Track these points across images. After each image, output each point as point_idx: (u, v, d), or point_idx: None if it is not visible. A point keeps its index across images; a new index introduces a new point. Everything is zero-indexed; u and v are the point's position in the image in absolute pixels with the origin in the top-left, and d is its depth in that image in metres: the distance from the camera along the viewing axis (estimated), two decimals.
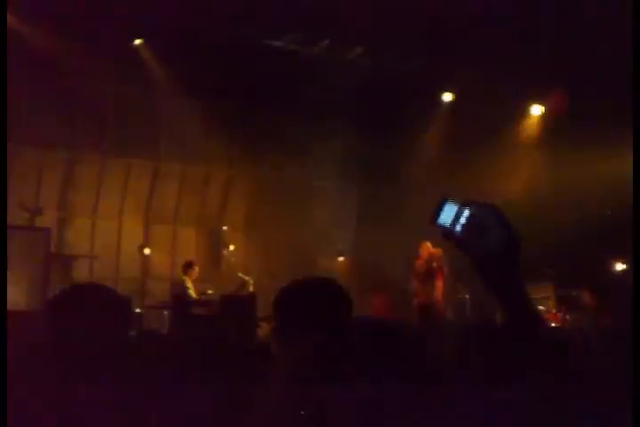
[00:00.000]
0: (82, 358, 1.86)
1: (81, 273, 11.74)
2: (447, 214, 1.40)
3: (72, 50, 10.99)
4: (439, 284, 10.76)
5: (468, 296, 12.48)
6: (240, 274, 11.99)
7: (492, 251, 1.24)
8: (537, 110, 13.78)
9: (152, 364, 2.41)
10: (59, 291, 2.09)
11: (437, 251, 10.89)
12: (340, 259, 13.90)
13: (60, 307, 1.94)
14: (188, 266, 11.66)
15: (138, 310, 11.01)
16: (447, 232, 1.37)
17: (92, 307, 1.92)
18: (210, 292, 11.70)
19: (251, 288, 11.53)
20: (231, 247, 12.83)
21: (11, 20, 8.95)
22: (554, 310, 10.84)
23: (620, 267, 11.42)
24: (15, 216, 10.22)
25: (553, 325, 9.92)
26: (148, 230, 13.68)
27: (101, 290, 2.06)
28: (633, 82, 7.99)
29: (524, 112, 13.83)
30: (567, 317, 10.36)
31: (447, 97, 13.79)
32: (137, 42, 11.91)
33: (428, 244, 10.99)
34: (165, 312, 11.24)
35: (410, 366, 0.95)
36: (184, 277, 11.51)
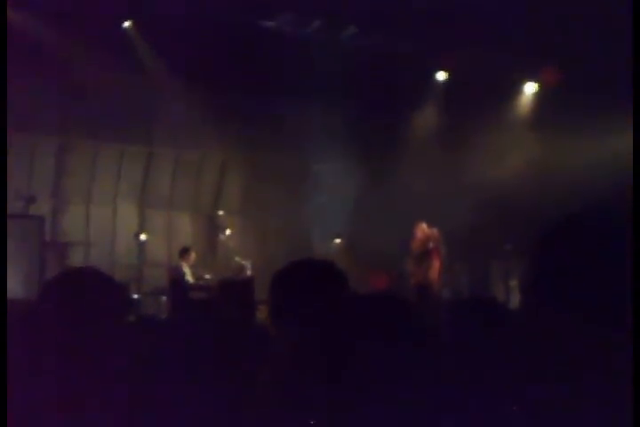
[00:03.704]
0: (79, 343, 1.85)
1: (77, 260, 11.73)
2: None
3: (61, 33, 10.89)
4: (435, 264, 10.78)
5: (464, 277, 12.51)
6: (237, 258, 12.01)
7: None
8: (531, 88, 13.70)
9: (151, 350, 2.41)
10: (55, 274, 2.07)
11: (433, 231, 10.90)
12: (338, 241, 13.89)
13: (56, 289, 1.92)
14: (184, 251, 11.67)
15: (135, 296, 11.03)
16: None
17: (89, 290, 1.90)
18: (207, 277, 11.72)
19: (249, 272, 11.54)
20: (227, 232, 12.83)
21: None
22: None
23: None
24: (10, 205, 10.18)
25: None
26: (144, 217, 13.65)
27: (98, 274, 2.04)
28: (633, 82, 7.96)
29: (518, 90, 13.77)
30: None
31: (441, 76, 13.72)
32: (126, 24, 11.79)
33: (424, 224, 10.99)
34: (163, 298, 11.25)
35: (411, 337, 0.95)
36: (181, 263, 11.52)
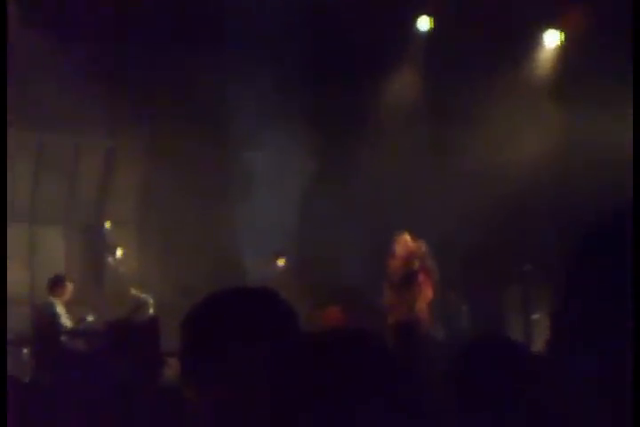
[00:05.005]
0: None
1: None
2: None
3: None
4: (424, 291, 10.84)
5: (464, 309, 12.61)
6: (133, 291, 11.94)
7: None
8: (552, 39, 13.85)
9: None
10: None
11: (419, 245, 10.96)
12: (280, 262, 13.89)
13: None
14: (56, 283, 11.57)
15: None
16: None
17: None
18: (90, 319, 11.62)
19: (150, 310, 11.49)
20: (118, 253, 12.77)
21: None
22: None
23: None
24: None
25: None
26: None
27: None
28: (633, 82, 8.20)
29: (533, 42, 13.94)
30: None
31: (424, 23, 13.84)
32: None
33: (406, 236, 11.05)
34: (25, 350, 11.13)
35: (397, 394, 0.92)
36: (52, 299, 11.42)
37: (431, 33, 13.84)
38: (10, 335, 11.52)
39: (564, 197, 11.94)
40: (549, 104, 13.38)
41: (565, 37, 13.68)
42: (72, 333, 11.12)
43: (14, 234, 13.63)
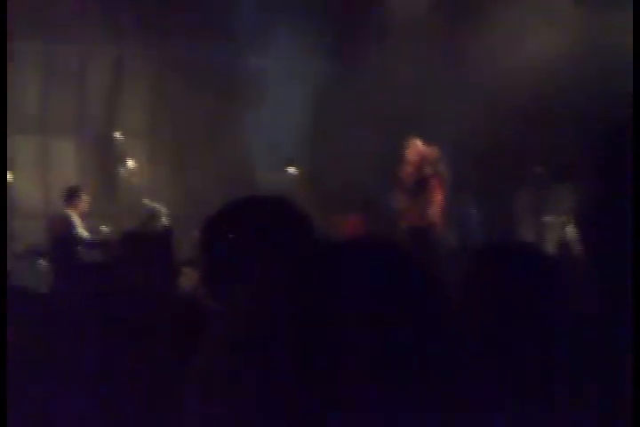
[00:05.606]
0: None
1: None
2: None
3: None
4: (435, 197, 10.85)
5: (476, 212, 12.63)
6: (146, 201, 11.97)
7: None
8: None
9: (23, 336, 2.38)
10: None
11: (431, 150, 10.93)
12: (291, 170, 13.88)
13: None
14: (71, 194, 11.58)
15: None
16: None
17: None
18: (105, 229, 11.70)
19: (163, 220, 11.54)
20: (130, 163, 12.74)
21: None
22: None
23: None
24: None
25: None
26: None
27: None
28: (633, 82, 8.08)
29: None
30: None
31: None
32: None
33: (417, 141, 11.01)
34: (41, 262, 11.25)
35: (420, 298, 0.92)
36: (67, 211, 11.47)
37: None
38: (26, 247, 11.67)
39: (578, 100, 11.80)
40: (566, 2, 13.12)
41: None
42: (88, 243, 11.20)
43: (24, 146, 13.66)
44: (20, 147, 13.55)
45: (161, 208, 11.71)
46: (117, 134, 13.30)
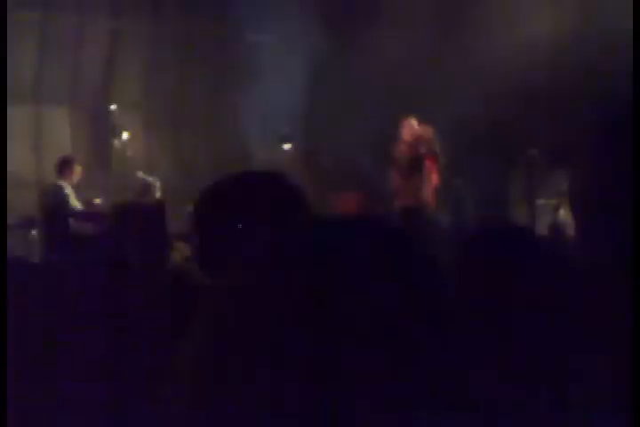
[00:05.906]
0: None
1: None
2: None
3: None
4: (431, 176, 10.85)
5: (470, 194, 12.65)
6: (140, 174, 11.96)
7: None
8: None
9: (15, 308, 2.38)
10: None
11: (426, 130, 10.91)
12: (286, 147, 13.87)
13: None
14: (64, 165, 11.55)
15: None
16: None
17: None
18: (97, 201, 11.68)
19: (157, 193, 11.54)
20: (125, 135, 12.72)
21: None
22: None
23: None
24: None
25: None
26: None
27: None
28: (633, 82, 8.14)
29: None
30: None
31: None
32: None
33: (412, 120, 10.99)
34: (33, 232, 11.22)
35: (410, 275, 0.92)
36: (60, 182, 11.44)
37: None
38: (18, 218, 11.66)
39: (574, 82, 11.78)
40: None
41: None
42: (80, 214, 11.18)
43: (19, 116, 13.62)
44: (14, 116, 13.53)
45: (155, 181, 11.69)
46: (112, 106, 13.29)
